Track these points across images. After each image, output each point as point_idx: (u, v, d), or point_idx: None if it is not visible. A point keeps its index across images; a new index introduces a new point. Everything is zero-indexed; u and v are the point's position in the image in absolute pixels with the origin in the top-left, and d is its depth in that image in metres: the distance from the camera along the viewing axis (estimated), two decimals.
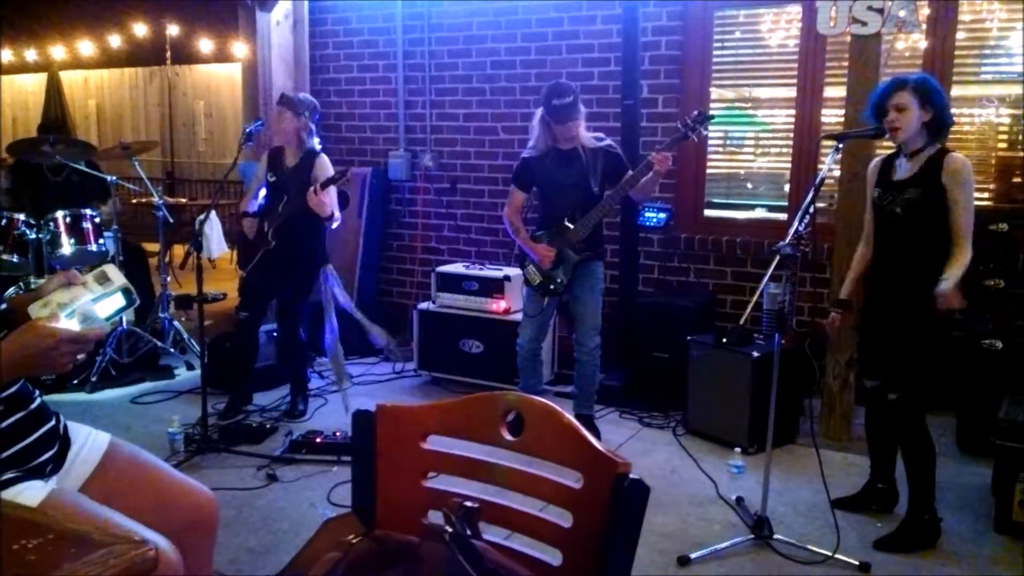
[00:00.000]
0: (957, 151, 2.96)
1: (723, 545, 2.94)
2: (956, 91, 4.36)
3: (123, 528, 1.50)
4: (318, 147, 4.19)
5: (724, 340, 3.97)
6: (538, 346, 4.02)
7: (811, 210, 2.83)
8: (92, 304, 1.50)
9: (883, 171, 3.09)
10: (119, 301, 1.54)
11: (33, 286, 4.38)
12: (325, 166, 4.11)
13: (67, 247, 4.75)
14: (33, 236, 4.66)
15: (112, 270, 1.56)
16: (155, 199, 5.17)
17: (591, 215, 3.77)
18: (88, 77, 10.99)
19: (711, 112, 3.77)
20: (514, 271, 4.63)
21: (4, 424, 1.61)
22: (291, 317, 4.30)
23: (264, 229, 4.10)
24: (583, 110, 3.73)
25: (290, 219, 4.05)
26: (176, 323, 5.29)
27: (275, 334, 4.67)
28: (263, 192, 4.27)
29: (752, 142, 5.08)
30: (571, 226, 3.80)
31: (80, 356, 1.46)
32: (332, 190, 4.00)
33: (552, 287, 3.88)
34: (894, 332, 3.00)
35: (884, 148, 4.04)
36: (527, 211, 4.20)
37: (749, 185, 5.05)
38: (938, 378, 3.01)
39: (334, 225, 4.13)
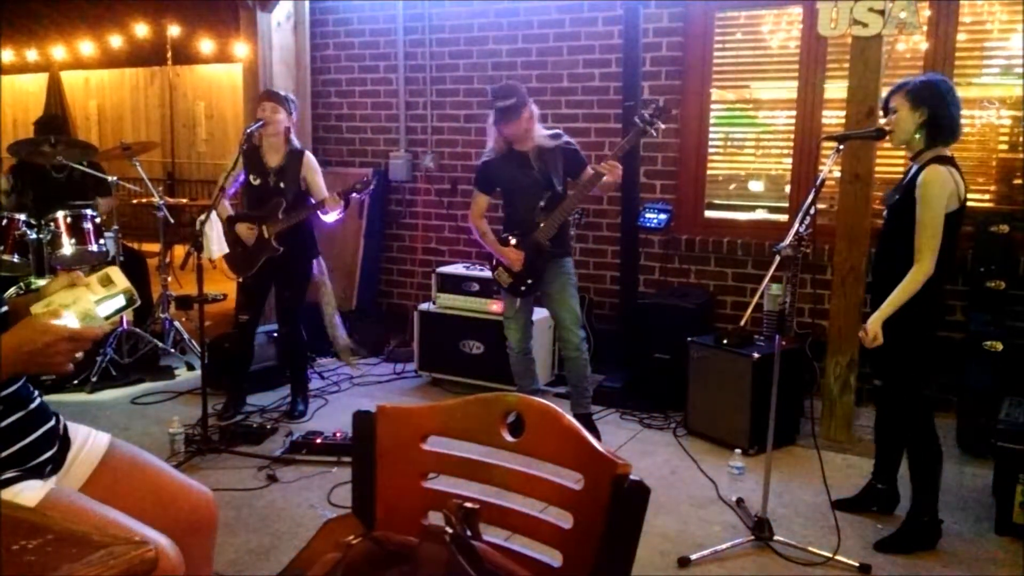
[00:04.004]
0: (954, 157, 2.90)
1: (723, 546, 2.94)
2: (957, 92, 4.34)
3: (123, 528, 1.49)
4: (299, 145, 4.20)
5: (725, 341, 3.98)
6: (527, 346, 4.04)
7: (812, 211, 2.83)
8: (93, 304, 1.51)
9: (906, 172, 3.09)
10: (120, 302, 1.55)
11: (33, 287, 4.38)
12: (314, 165, 4.15)
13: (67, 247, 4.74)
14: (34, 236, 4.65)
15: (116, 273, 1.57)
16: (156, 199, 5.17)
17: (556, 215, 3.78)
18: (89, 77, 10.97)
19: (665, 104, 3.78)
20: None
21: (4, 424, 1.61)
22: (293, 316, 4.30)
23: (264, 236, 4.07)
24: (534, 111, 3.75)
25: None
26: (176, 324, 5.29)
27: (275, 334, 4.68)
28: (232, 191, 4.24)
29: (753, 143, 5.08)
30: (539, 226, 3.80)
31: (78, 355, 1.46)
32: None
33: (524, 288, 3.89)
34: (884, 333, 3.00)
35: (882, 149, 4.05)
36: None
37: (750, 186, 5.05)
38: (927, 379, 3.00)
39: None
